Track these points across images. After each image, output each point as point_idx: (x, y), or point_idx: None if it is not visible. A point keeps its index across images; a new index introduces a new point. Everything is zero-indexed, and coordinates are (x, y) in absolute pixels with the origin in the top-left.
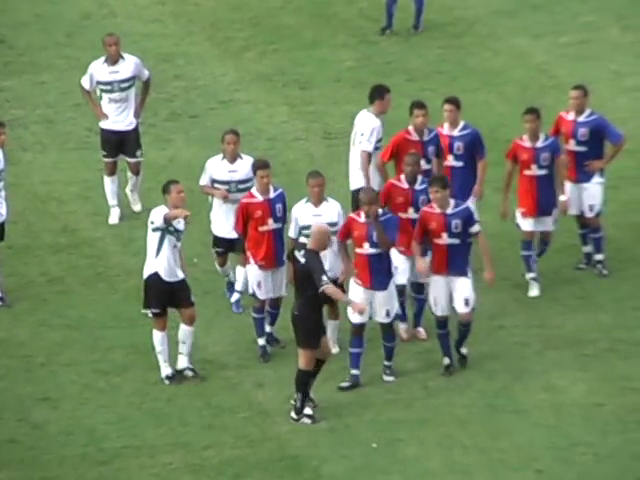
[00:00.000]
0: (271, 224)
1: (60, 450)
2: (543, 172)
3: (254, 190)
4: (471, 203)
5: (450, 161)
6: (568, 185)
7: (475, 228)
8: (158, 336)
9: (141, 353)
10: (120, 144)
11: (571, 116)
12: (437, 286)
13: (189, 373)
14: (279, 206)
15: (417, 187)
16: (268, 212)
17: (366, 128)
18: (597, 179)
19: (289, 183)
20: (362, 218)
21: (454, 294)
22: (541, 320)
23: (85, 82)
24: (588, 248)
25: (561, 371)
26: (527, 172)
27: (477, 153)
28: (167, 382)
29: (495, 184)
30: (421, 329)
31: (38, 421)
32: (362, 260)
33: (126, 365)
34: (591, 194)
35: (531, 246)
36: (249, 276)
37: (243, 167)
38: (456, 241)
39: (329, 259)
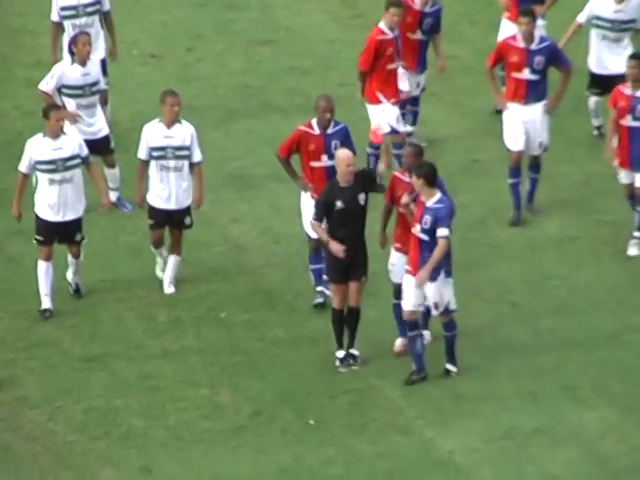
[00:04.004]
0: None
1: (35, 284)
2: None
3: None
4: None
5: (419, 36)
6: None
7: (442, 232)
8: (42, 266)
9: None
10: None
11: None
12: (408, 284)
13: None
14: None
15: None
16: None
17: None
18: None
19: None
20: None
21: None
22: None
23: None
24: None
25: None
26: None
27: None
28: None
29: None
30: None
31: (14, 254)
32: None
33: None
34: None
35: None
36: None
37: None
38: (425, 237)
39: None
